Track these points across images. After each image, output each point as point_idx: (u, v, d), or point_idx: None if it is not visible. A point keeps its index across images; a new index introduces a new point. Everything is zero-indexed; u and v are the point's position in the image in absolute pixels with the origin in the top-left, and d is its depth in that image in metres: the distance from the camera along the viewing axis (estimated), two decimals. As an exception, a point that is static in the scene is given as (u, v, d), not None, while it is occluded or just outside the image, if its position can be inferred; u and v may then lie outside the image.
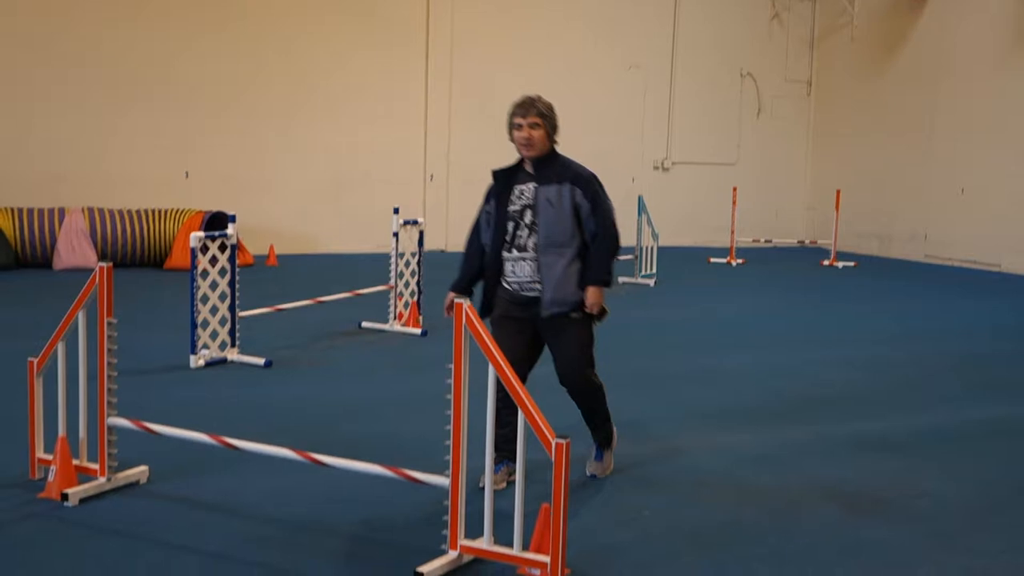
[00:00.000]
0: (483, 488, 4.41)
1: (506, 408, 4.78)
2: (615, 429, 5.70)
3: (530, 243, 5.26)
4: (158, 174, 15.05)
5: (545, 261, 5.24)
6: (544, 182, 5.29)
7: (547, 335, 5.35)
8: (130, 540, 4.56)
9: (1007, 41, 16.47)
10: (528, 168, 5.37)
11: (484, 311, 5.37)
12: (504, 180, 5.40)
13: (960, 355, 9.70)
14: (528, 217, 5.28)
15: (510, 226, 5.30)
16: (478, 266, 5.45)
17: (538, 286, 5.27)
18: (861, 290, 14.23)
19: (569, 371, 5.34)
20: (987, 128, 16.82)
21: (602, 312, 5.38)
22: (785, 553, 4.67)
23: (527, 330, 5.36)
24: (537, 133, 5.25)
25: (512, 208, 5.31)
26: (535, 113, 5.24)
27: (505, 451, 5.16)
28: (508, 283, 5.35)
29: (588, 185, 5.31)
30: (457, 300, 4.24)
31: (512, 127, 5.29)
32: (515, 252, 5.30)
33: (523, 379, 5.23)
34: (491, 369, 4.21)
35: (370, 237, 15.70)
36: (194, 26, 15.20)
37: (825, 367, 8.88)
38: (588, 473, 5.54)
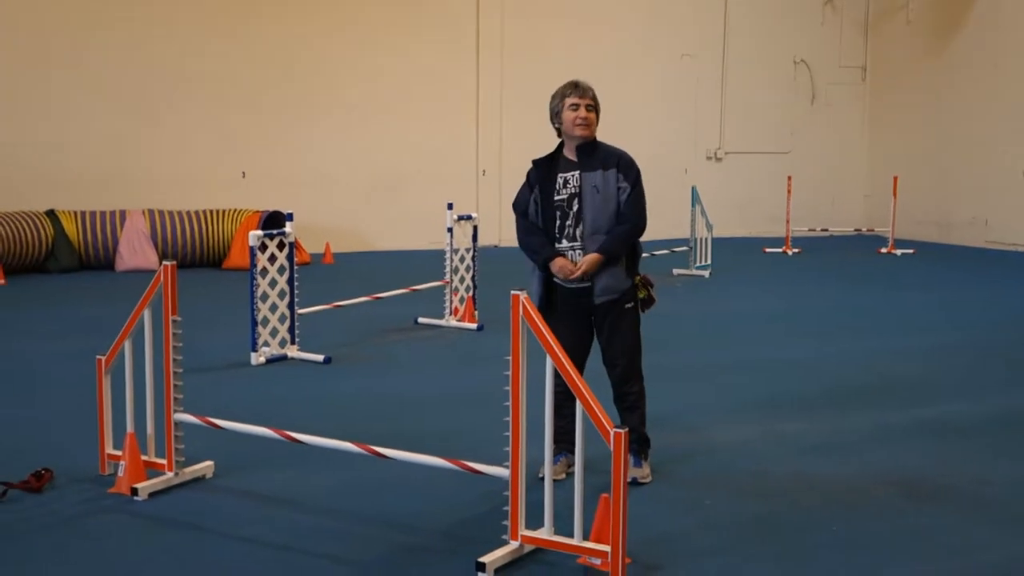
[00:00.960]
0: (543, 479, 4.45)
1: (565, 400, 4.79)
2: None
3: (578, 232, 5.27)
4: (216, 175, 15.27)
5: (592, 249, 5.24)
6: (589, 168, 5.29)
7: (599, 323, 5.37)
8: (199, 532, 4.67)
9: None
10: (570, 155, 5.36)
11: (543, 303, 5.36)
12: (546, 169, 5.40)
13: (1016, 342, 9.55)
14: (575, 206, 5.28)
15: (558, 216, 5.31)
16: (546, 232, 5.37)
17: (588, 275, 5.26)
18: (920, 277, 14.05)
19: (618, 356, 5.35)
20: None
21: (650, 300, 5.41)
22: (849, 540, 4.66)
23: (580, 323, 5.37)
24: (592, 115, 5.29)
25: (558, 198, 5.31)
26: (591, 96, 5.30)
27: (564, 443, 5.18)
28: (558, 282, 5.34)
29: (630, 169, 5.32)
30: (524, 295, 4.25)
31: (565, 107, 5.28)
32: (565, 243, 5.31)
33: (580, 370, 5.24)
34: (548, 360, 4.25)
35: (424, 234, 15.79)
36: (250, 26, 15.39)
37: (883, 355, 8.79)
38: (629, 478, 5.39)
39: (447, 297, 9.90)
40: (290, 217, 8.60)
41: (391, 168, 16.38)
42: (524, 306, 4.25)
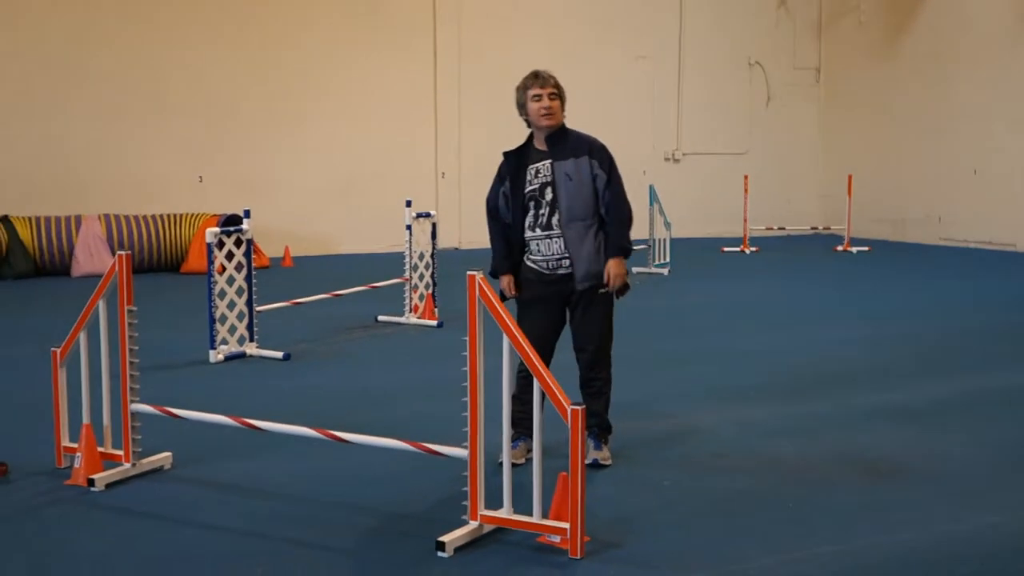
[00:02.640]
0: (502, 463, 4.46)
1: (527, 385, 4.80)
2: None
3: (554, 220, 5.28)
4: (173, 179, 15.14)
5: (571, 236, 5.26)
6: (560, 157, 5.30)
7: (574, 309, 5.37)
8: (157, 521, 4.64)
9: (1016, 19, 16.44)
10: (540, 145, 5.37)
11: (495, 268, 5.46)
12: (517, 160, 5.39)
13: (975, 328, 9.72)
14: (548, 195, 5.28)
15: (531, 205, 5.31)
16: (509, 243, 5.44)
17: (567, 262, 5.28)
18: (875, 273, 14.22)
19: (590, 341, 5.35)
20: (998, 108, 16.77)
21: (624, 287, 5.40)
22: (805, 515, 4.71)
23: (555, 310, 5.39)
24: (556, 103, 5.29)
25: (530, 188, 5.32)
26: (552, 84, 5.30)
27: (523, 428, 5.19)
28: (535, 262, 5.37)
29: (603, 155, 5.34)
30: (480, 275, 4.27)
31: (528, 99, 5.29)
32: (539, 231, 5.31)
33: (548, 360, 5.26)
34: (505, 339, 4.26)
35: (384, 236, 15.76)
36: (204, 32, 15.30)
37: (841, 345, 8.90)
38: (589, 460, 5.30)
39: (407, 295, 9.89)
40: (247, 214, 8.56)
41: (350, 172, 16.34)
42: (480, 286, 4.26)
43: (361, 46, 16.32)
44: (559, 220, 5.26)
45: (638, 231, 15.57)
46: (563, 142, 5.34)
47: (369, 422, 6.04)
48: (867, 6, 19.07)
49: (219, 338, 8.11)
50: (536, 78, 5.31)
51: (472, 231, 16.56)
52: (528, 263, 5.39)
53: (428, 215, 10.15)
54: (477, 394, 4.29)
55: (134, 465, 5.17)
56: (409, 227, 9.91)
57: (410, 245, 9.92)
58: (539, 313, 5.35)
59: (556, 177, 5.27)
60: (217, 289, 8.11)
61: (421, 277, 9.99)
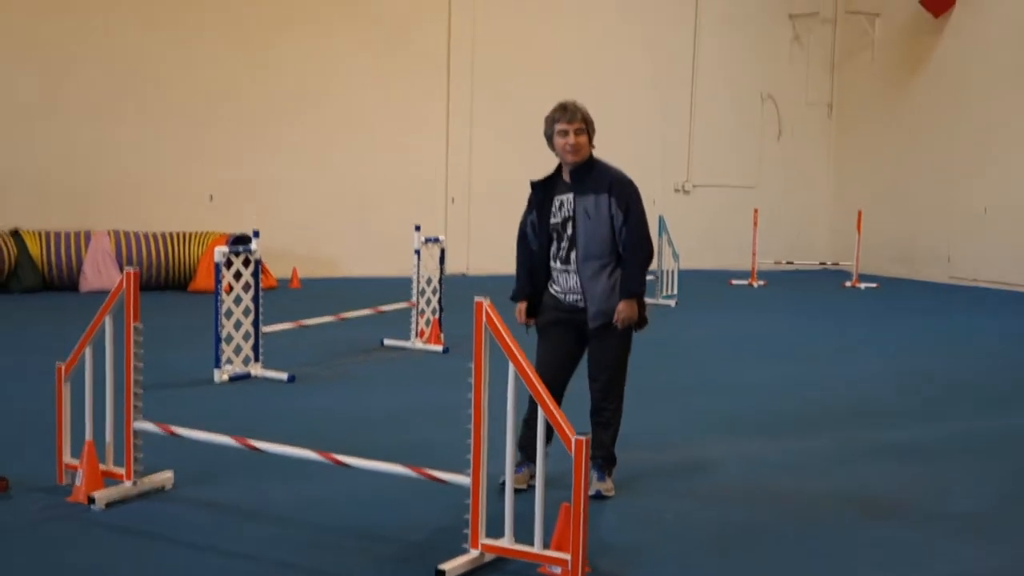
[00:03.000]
0: (503, 484, 4.44)
1: (535, 412, 4.78)
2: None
3: (572, 256, 5.26)
4: (183, 197, 15.19)
5: (585, 274, 5.23)
6: (582, 192, 5.24)
7: (591, 339, 5.34)
8: (155, 541, 4.62)
9: (1022, 62, 16.50)
10: (566, 177, 5.31)
11: (529, 314, 5.45)
12: (543, 191, 5.36)
13: (981, 369, 9.68)
14: (569, 229, 5.25)
15: (554, 237, 5.30)
16: (532, 271, 5.42)
17: (582, 298, 5.26)
18: (883, 310, 14.18)
19: (602, 371, 5.30)
20: (1009, 147, 16.78)
21: (643, 321, 5.36)
22: (804, 553, 4.68)
23: (571, 338, 5.36)
24: (582, 139, 5.22)
25: (553, 220, 5.29)
26: (580, 118, 5.21)
27: (529, 453, 5.16)
28: (555, 291, 5.38)
29: (623, 192, 5.23)
30: (487, 302, 4.27)
31: (555, 134, 5.21)
32: (559, 264, 5.31)
33: (560, 388, 5.25)
34: (511, 366, 4.25)
35: (393, 261, 15.72)
36: (218, 50, 15.39)
37: (845, 381, 8.87)
38: (592, 491, 5.17)
39: (414, 319, 9.88)
40: (256, 234, 8.58)
41: (360, 195, 16.37)
42: (487, 313, 4.26)
43: (375, 70, 16.39)
44: (576, 256, 5.25)
45: (646, 261, 15.47)
46: (588, 176, 5.26)
47: (372, 446, 6.01)
48: (880, 43, 19.13)
49: (224, 358, 8.10)
50: (564, 112, 5.22)
51: (480, 257, 16.59)
52: (550, 290, 5.40)
53: (437, 240, 10.16)
54: (481, 421, 4.28)
55: (135, 483, 5.15)
56: (417, 252, 9.92)
57: (418, 270, 9.92)
58: (556, 339, 5.34)
59: (576, 213, 5.23)
60: (224, 308, 8.11)
61: (428, 302, 9.99)
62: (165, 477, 5.33)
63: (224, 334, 8.10)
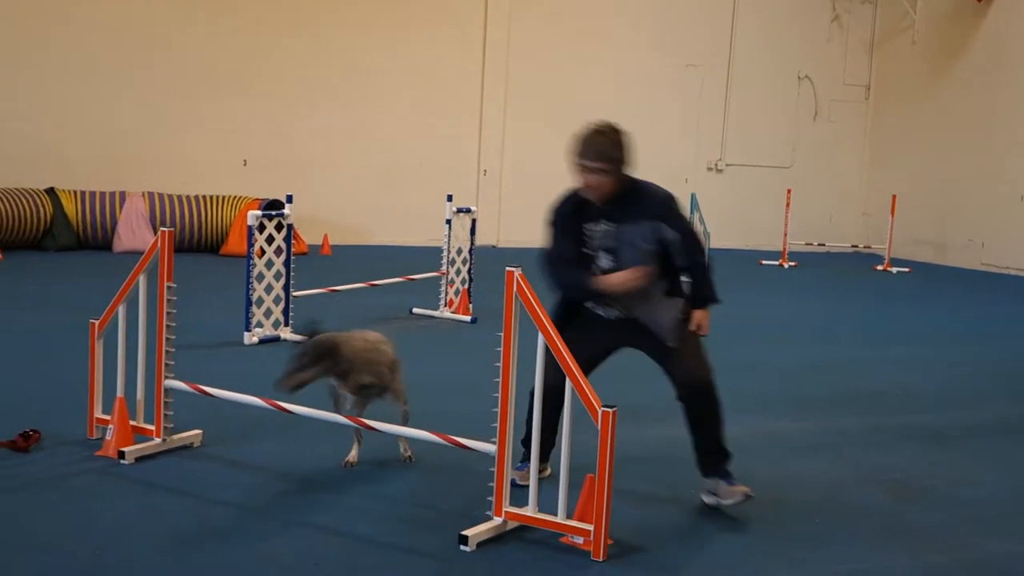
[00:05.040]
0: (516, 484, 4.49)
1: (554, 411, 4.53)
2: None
3: None
4: (217, 161, 15.27)
5: (631, 304, 4.76)
6: (621, 221, 4.71)
7: (656, 354, 4.84)
8: (182, 496, 4.69)
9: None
10: (598, 202, 4.75)
11: (560, 320, 4.83)
12: (571, 216, 4.76)
13: (1011, 357, 9.59)
14: (605, 262, 4.74)
15: (587, 262, 4.78)
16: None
17: (625, 316, 4.82)
18: (914, 295, 14.08)
19: (694, 376, 4.78)
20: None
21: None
22: (826, 534, 4.68)
23: (609, 338, 4.88)
24: (604, 180, 4.63)
25: (584, 250, 4.75)
26: (604, 159, 4.59)
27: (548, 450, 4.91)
28: (594, 310, 4.91)
29: (670, 213, 4.75)
30: (519, 272, 4.20)
31: (576, 169, 4.66)
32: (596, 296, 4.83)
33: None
34: (540, 338, 4.26)
35: (424, 230, 15.77)
36: (253, 17, 15.42)
37: (875, 364, 8.83)
38: (715, 502, 4.82)
39: (443, 288, 9.91)
40: (290, 199, 8.62)
41: (392, 163, 16.38)
42: (519, 282, 4.26)
43: (410, 37, 16.35)
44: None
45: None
46: (625, 204, 4.71)
47: (398, 412, 6.06)
48: (921, 26, 18.88)
49: (255, 321, 8.17)
50: (585, 147, 4.61)
51: (511, 230, 16.59)
52: (588, 306, 4.92)
53: (468, 210, 10.17)
54: (509, 390, 4.30)
55: (164, 440, 5.22)
56: (448, 221, 9.93)
57: (448, 240, 9.94)
58: (587, 334, 4.81)
59: (620, 244, 4.71)
60: (255, 272, 8.17)
61: (458, 272, 10.01)
62: (194, 435, 5.40)
63: (255, 297, 8.16)
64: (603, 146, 4.60)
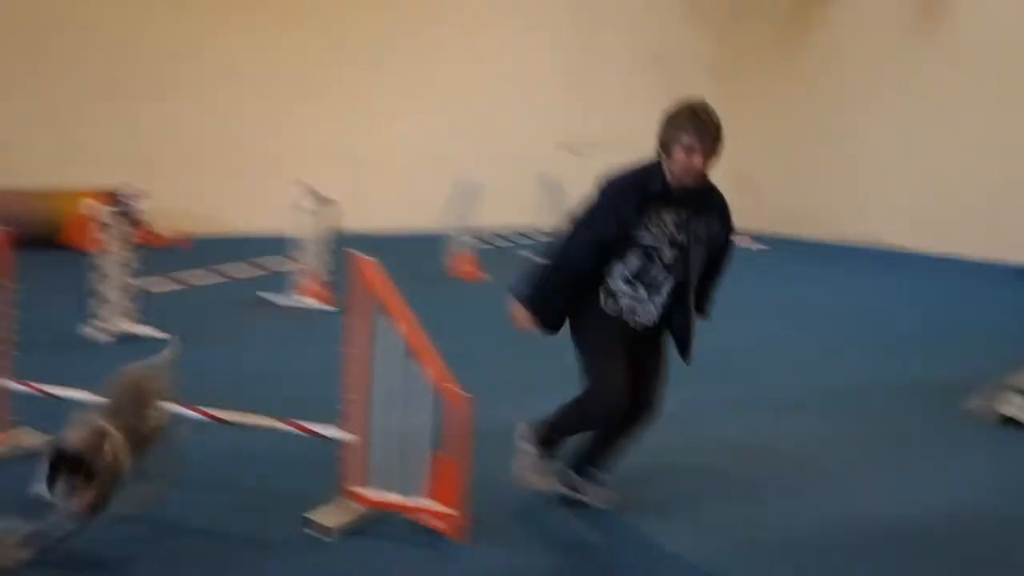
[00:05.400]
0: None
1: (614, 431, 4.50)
2: None
3: (666, 285, 4.36)
4: (52, 148, 14.55)
5: (678, 307, 4.40)
6: (696, 214, 4.30)
7: (647, 356, 4.52)
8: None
9: (909, 23, 16.98)
10: (670, 187, 4.26)
11: (551, 323, 4.50)
12: (631, 195, 4.27)
13: (864, 325, 10.08)
14: (667, 254, 4.30)
15: (637, 257, 4.31)
16: (572, 298, 4.42)
17: (656, 324, 4.44)
18: (773, 271, 14.48)
19: (656, 405, 4.59)
20: (892, 110, 17.26)
21: None
22: (665, 496, 4.91)
23: (629, 349, 4.43)
24: (711, 166, 4.25)
25: (645, 241, 4.28)
26: (721, 143, 4.21)
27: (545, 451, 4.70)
28: (612, 310, 4.40)
29: (728, 213, 4.47)
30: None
31: (678, 146, 4.16)
32: (641, 291, 4.36)
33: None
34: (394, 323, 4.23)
35: (286, 216, 15.38)
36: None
37: (726, 337, 9.03)
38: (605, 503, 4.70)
39: (302, 277, 9.79)
40: (135, 191, 8.37)
41: (250, 151, 15.97)
42: (368, 270, 4.23)
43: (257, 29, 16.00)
44: (671, 287, 4.36)
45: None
46: (701, 195, 4.32)
47: (251, 401, 5.95)
48: (771, 5, 19.38)
49: (100, 316, 7.89)
50: (704, 132, 4.14)
51: (376, 216, 16.34)
52: (604, 309, 4.40)
53: (328, 199, 10.06)
54: (358, 373, 4.26)
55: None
56: (305, 210, 9.82)
57: (304, 229, 9.81)
58: (625, 358, 4.39)
59: (690, 237, 4.29)
60: (101, 266, 7.90)
61: (318, 260, 9.87)
62: (30, 435, 5.18)
63: (100, 292, 7.88)
64: (720, 130, 4.20)
